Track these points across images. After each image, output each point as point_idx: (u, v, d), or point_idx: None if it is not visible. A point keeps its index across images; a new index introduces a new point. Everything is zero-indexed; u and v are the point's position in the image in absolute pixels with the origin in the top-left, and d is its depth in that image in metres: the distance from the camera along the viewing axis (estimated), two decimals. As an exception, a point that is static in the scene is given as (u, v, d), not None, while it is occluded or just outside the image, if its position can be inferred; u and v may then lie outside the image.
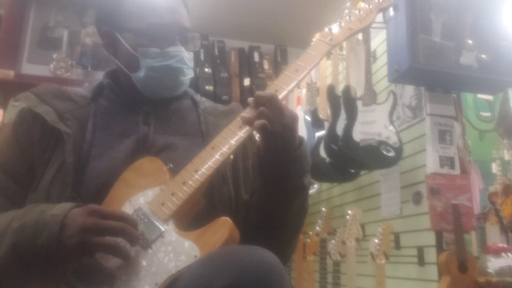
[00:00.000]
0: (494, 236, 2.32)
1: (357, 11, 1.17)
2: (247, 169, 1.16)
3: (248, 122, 1.00)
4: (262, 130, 0.98)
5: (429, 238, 2.02)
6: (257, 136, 1.06)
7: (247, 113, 1.02)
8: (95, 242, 0.85)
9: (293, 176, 1.04)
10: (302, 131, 2.65)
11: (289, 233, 1.11)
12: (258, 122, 0.98)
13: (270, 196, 1.05)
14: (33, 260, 0.87)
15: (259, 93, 1.02)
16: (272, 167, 1.02)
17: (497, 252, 1.86)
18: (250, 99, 1.03)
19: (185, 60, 1.13)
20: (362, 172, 2.52)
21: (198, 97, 1.26)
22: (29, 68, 3.10)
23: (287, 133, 1.00)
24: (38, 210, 0.92)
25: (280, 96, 1.04)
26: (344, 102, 2.27)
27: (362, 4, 1.18)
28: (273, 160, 1.01)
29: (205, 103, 1.26)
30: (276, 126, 0.98)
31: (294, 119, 1.02)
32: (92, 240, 0.85)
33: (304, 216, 1.13)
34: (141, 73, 1.12)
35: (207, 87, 3.39)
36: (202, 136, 1.15)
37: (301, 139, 1.05)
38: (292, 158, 1.02)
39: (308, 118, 2.61)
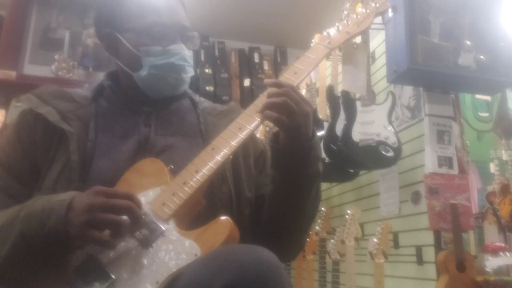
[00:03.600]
0: (492, 235, 2.32)
1: (354, 15, 1.18)
2: (249, 167, 1.17)
3: (265, 111, 1.01)
4: (278, 122, 1.00)
5: (428, 238, 2.03)
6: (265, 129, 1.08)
7: (264, 97, 1.04)
8: (103, 218, 0.87)
9: (312, 163, 1.06)
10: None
11: (307, 220, 1.14)
12: (273, 116, 1.00)
13: (288, 186, 1.06)
14: (42, 246, 0.88)
15: (279, 81, 1.04)
16: (293, 157, 1.04)
17: (495, 251, 1.87)
18: (268, 81, 1.05)
19: (187, 58, 1.15)
20: (361, 172, 2.53)
21: (197, 97, 1.27)
22: (31, 69, 3.11)
23: (308, 122, 1.03)
24: (44, 198, 0.94)
25: None
26: (343, 103, 2.28)
27: (359, 8, 1.19)
28: (294, 149, 1.03)
29: (203, 103, 1.27)
30: (299, 116, 1.00)
31: (311, 108, 1.05)
32: (100, 216, 0.86)
33: (319, 202, 1.16)
34: (144, 72, 1.13)
35: (207, 88, 3.40)
36: (202, 136, 1.17)
37: (313, 127, 1.08)
38: (310, 146, 1.04)
39: (308, 119, 2.61)
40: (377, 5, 1.18)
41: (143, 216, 0.94)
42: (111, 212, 0.87)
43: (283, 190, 1.08)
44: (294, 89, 1.02)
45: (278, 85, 1.03)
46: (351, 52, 2.29)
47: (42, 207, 0.91)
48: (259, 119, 1.03)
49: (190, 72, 1.17)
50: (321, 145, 2.38)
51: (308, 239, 2.73)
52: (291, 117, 1.00)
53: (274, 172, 1.10)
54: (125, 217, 0.89)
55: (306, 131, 1.03)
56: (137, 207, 0.90)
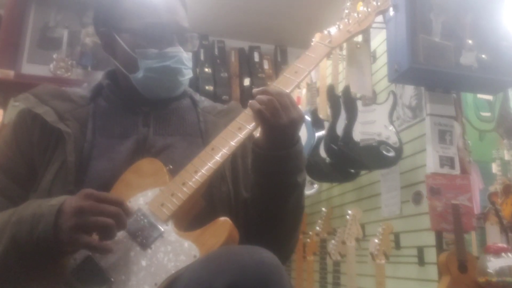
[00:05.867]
0: (494, 236, 2.31)
1: (355, 14, 1.17)
2: (247, 167, 1.16)
3: (250, 104, 1.00)
4: (259, 116, 0.98)
5: (429, 238, 2.02)
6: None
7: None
8: (91, 221, 0.86)
9: (288, 173, 1.03)
10: (302, 131, 2.65)
11: (288, 229, 1.11)
12: (256, 106, 0.98)
13: (265, 192, 1.05)
14: (32, 252, 0.88)
15: (265, 88, 1.01)
16: (269, 163, 1.02)
17: (497, 252, 1.86)
18: (256, 90, 1.02)
19: (184, 60, 1.13)
20: (362, 172, 2.52)
21: (197, 96, 1.26)
22: (29, 68, 3.09)
23: (291, 129, 1.00)
24: (36, 203, 0.93)
25: None
26: (344, 102, 2.27)
27: (361, 7, 1.18)
28: (271, 155, 1.01)
29: (204, 102, 1.26)
30: (282, 119, 0.98)
31: (301, 117, 1.02)
32: (88, 220, 0.86)
33: (300, 214, 1.13)
34: (140, 74, 1.11)
35: (207, 87, 3.38)
36: (201, 135, 1.15)
37: (298, 137, 1.05)
38: (288, 154, 1.02)
39: (308, 118, 2.60)
40: (379, 3, 1.17)
41: (142, 217, 0.93)
42: (99, 215, 0.86)
43: (260, 195, 1.06)
44: (285, 95, 1.00)
45: (266, 91, 1.01)
46: (355, 53, 2.28)
47: (33, 213, 0.90)
48: None
49: (187, 75, 1.15)
50: (322, 145, 2.37)
51: (308, 240, 2.72)
52: (274, 115, 0.97)
53: (253, 175, 1.08)
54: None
55: (287, 137, 1.01)
56: (127, 214, 0.90)
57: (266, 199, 1.05)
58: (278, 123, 0.98)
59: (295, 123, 1.00)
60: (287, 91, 1.05)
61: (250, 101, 1.00)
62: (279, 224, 1.08)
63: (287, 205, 1.06)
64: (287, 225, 1.10)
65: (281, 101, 0.98)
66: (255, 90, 1.02)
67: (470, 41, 2.05)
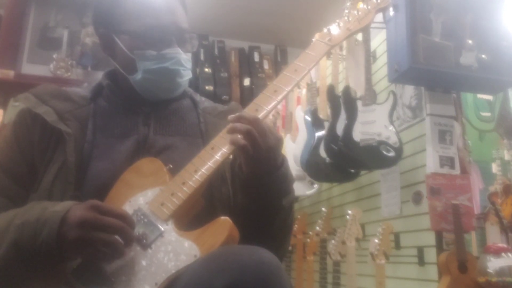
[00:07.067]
0: (494, 236, 2.31)
1: (355, 12, 1.17)
2: None
3: (232, 140, 0.96)
4: (243, 151, 0.96)
5: (429, 238, 2.01)
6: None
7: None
8: (93, 237, 0.85)
9: (272, 197, 1.03)
10: (302, 131, 2.65)
11: (277, 240, 1.10)
12: (240, 142, 0.95)
13: (250, 212, 1.05)
14: (34, 257, 0.88)
15: (241, 115, 0.98)
16: (252, 188, 1.02)
17: (497, 252, 1.86)
18: (232, 117, 0.98)
19: (182, 61, 1.13)
20: (362, 172, 2.52)
21: (197, 97, 1.26)
22: (29, 68, 3.10)
23: (271, 155, 0.99)
24: (40, 207, 0.93)
25: (280, 97, 1.04)
26: (344, 102, 2.27)
27: (361, 5, 1.18)
28: (254, 181, 1.01)
29: (204, 102, 1.26)
30: (260, 149, 0.96)
31: (279, 140, 1.01)
32: (91, 235, 0.85)
33: (288, 230, 1.13)
34: (138, 76, 1.11)
35: (207, 87, 3.39)
36: (202, 136, 1.16)
37: (283, 159, 1.04)
38: (271, 180, 1.01)
39: (308, 118, 2.60)
40: (379, 1, 1.17)
41: (142, 216, 0.93)
42: (102, 230, 0.86)
43: (247, 213, 1.05)
44: (259, 121, 0.97)
45: (242, 119, 0.98)
46: (354, 49, 2.28)
47: (37, 217, 0.89)
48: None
49: (186, 76, 1.15)
50: (322, 145, 2.37)
51: (308, 240, 2.71)
52: (253, 147, 0.95)
53: (239, 195, 1.07)
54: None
55: (269, 164, 0.99)
56: (131, 227, 0.89)
57: (251, 217, 1.04)
58: (257, 154, 0.96)
59: (273, 150, 0.99)
60: (287, 89, 1.05)
61: (231, 137, 0.96)
62: (267, 236, 1.06)
63: (273, 226, 1.06)
64: (276, 237, 1.09)
65: (258, 129, 0.96)
66: (231, 116, 0.98)
67: (470, 41, 2.04)
